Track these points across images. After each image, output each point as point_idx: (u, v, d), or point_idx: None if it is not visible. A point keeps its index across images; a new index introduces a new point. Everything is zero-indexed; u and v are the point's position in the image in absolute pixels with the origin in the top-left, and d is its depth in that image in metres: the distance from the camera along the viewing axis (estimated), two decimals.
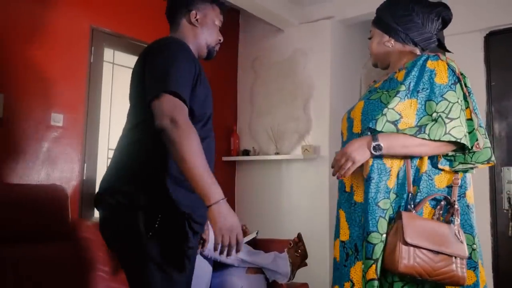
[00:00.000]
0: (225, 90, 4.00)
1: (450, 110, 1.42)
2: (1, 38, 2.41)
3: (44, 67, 2.60)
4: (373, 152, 1.42)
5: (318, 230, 3.44)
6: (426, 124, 1.42)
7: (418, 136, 1.41)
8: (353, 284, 1.48)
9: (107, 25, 2.94)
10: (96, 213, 2.13)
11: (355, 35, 3.91)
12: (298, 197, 3.67)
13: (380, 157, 1.46)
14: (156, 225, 1.42)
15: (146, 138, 1.49)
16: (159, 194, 1.45)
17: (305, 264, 2.52)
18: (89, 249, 2.24)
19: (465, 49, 3.10)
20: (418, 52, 1.64)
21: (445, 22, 1.64)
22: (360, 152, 1.43)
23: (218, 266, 2.38)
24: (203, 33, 1.68)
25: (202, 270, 2.25)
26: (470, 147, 1.43)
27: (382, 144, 1.41)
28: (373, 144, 1.42)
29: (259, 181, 3.89)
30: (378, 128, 1.43)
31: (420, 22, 1.60)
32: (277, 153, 3.76)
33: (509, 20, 2.97)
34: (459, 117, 1.42)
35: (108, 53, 3.01)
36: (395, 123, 1.43)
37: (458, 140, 1.40)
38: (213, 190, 1.36)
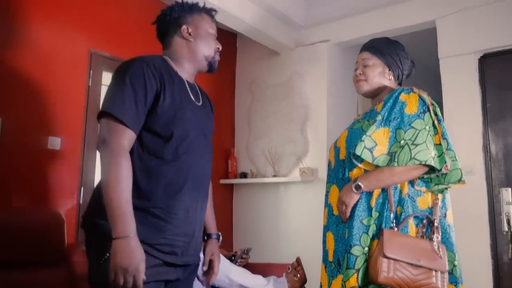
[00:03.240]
0: (223, 113, 4.01)
1: (416, 137, 1.57)
2: None
3: (42, 91, 2.61)
4: (355, 191, 1.60)
5: (317, 254, 3.38)
6: (395, 152, 1.57)
7: (390, 165, 1.56)
8: None
9: (105, 49, 2.96)
10: None
11: (351, 58, 3.94)
12: (297, 220, 3.64)
13: None
14: (108, 254, 1.34)
15: None
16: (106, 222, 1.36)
17: None
18: (85, 274, 2.20)
19: (460, 71, 3.14)
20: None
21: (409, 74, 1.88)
22: (348, 196, 1.62)
23: None
24: (198, 46, 1.62)
25: None
26: (439, 169, 1.56)
27: (360, 183, 1.59)
28: (353, 185, 1.60)
29: (257, 204, 3.87)
30: (358, 152, 1.59)
31: (409, 67, 1.85)
32: (275, 176, 3.75)
33: (502, 42, 3.01)
34: (425, 141, 1.56)
35: (107, 77, 3.01)
36: (371, 150, 1.59)
37: (423, 163, 1.54)
38: (122, 223, 1.31)
